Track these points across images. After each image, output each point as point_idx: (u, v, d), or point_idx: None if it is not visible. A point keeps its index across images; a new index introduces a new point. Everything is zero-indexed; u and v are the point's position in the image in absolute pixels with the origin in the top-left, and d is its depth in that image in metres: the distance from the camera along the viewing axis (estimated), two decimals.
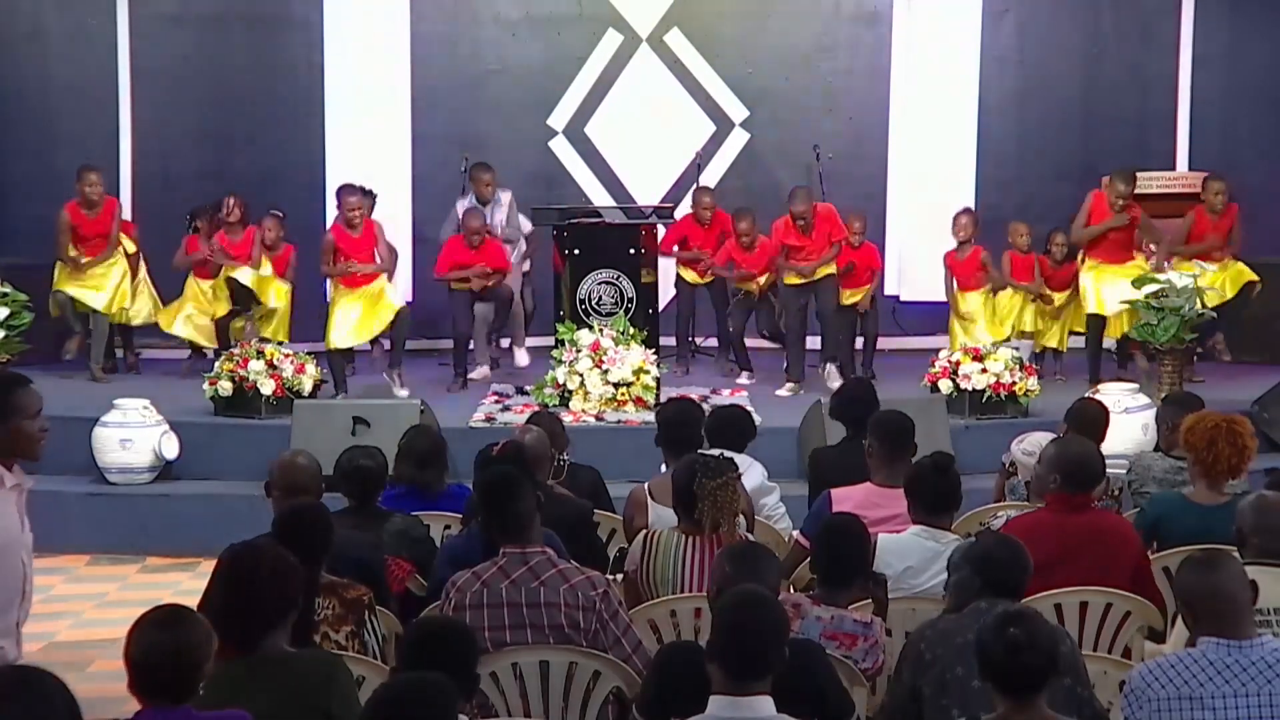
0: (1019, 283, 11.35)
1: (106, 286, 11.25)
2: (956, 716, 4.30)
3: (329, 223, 11.52)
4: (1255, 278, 10.96)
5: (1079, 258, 11.20)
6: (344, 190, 10.93)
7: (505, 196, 11.73)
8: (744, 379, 11.40)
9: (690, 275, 11.92)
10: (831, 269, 11.00)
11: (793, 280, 10.96)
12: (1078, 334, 11.47)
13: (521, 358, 11.50)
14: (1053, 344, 11.48)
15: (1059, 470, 5.62)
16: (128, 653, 3.72)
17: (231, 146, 12.82)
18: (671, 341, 11.91)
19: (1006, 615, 3.96)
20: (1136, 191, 11.04)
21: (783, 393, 10.87)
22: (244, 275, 11.23)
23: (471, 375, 11.33)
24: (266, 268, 11.38)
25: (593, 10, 13.20)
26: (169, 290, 11.84)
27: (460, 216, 11.31)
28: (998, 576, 4.54)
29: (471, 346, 11.40)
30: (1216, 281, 10.82)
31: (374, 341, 11.28)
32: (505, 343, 11.94)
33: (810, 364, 11.22)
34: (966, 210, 11.52)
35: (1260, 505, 5.10)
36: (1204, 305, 10.07)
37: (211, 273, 11.47)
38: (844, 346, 11.41)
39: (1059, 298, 11.40)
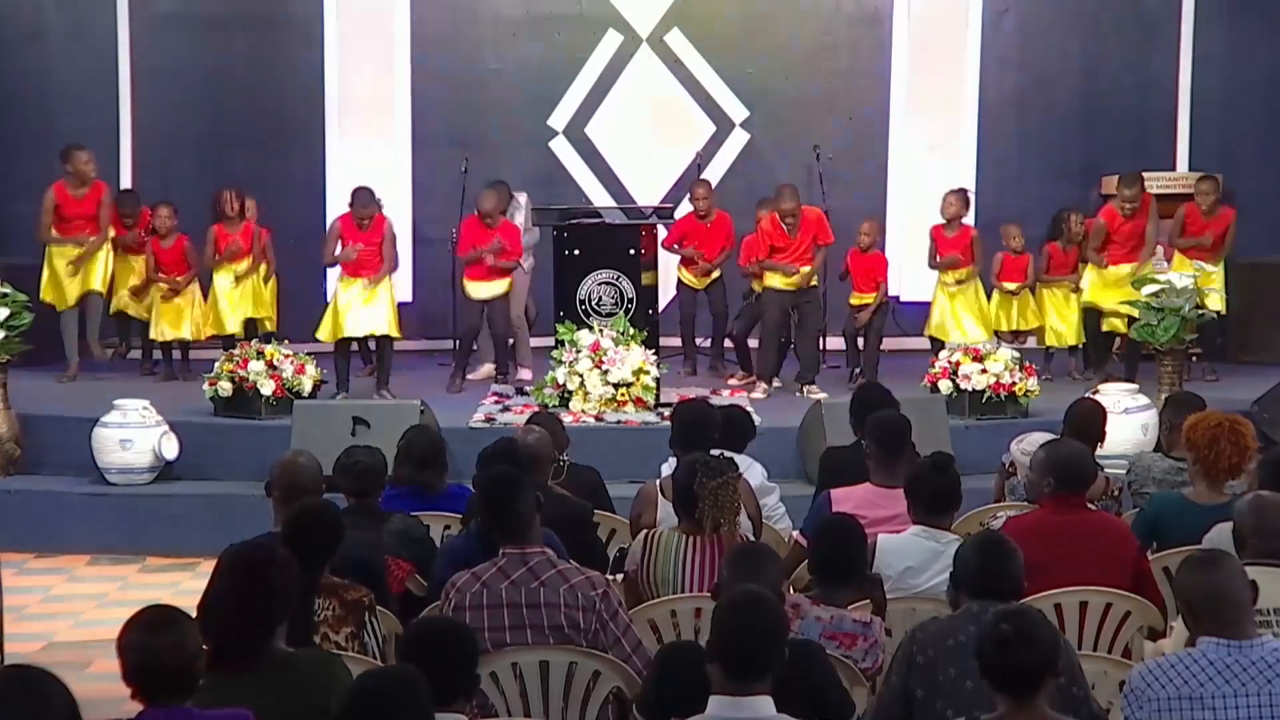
0: (1004, 282, 11.40)
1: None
2: (951, 718, 4.29)
3: (328, 223, 11.50)
4: (1217, 285, 10.96)
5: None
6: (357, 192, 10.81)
7: (522, 199, 11.75)
8: (736, 379, 11.35)
9: (689, 278, 11.84)
10: (814, 280, 10.90)
11: (774, 282, 10.85)
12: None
13: (524, 374, 11.42)
14: (1053, 342, 11.49)
15: (1052, 474, 5.62)
16: (123, 662, 3.72)
17: (231, 146, 12.81)
18: (671, 342, 11.89)
19: (1003, 613, 3.96)
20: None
21: (756, 395, 10.71)
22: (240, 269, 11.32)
23: (471, 375, 11.32)
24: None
25: (593, 10, 13.20)
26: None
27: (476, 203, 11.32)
28: (976, 582, 4.53)
29: (476, 347, 11.40)
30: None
31: (363, 355, 11.31)
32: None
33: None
34: (955, 190, 11.44)
35: (1258, 505, 5.09)
36: (1204, 303, 10.07)
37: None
38: (849, 348, 11.38)
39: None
